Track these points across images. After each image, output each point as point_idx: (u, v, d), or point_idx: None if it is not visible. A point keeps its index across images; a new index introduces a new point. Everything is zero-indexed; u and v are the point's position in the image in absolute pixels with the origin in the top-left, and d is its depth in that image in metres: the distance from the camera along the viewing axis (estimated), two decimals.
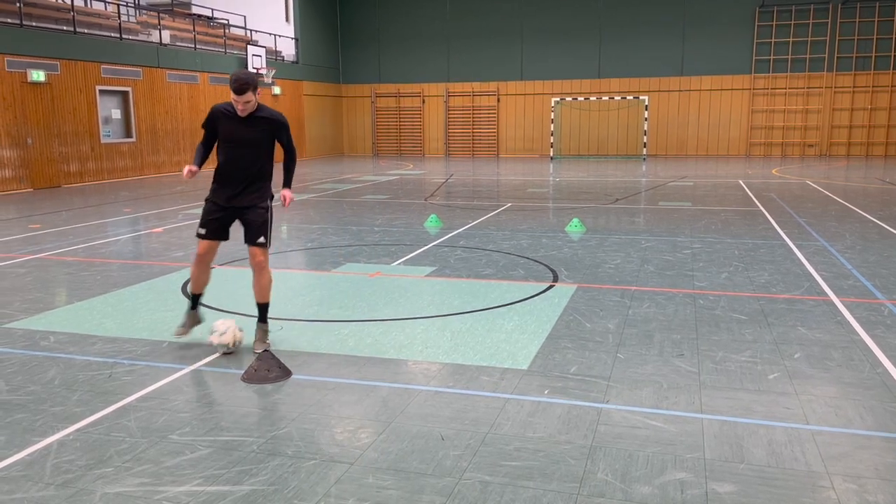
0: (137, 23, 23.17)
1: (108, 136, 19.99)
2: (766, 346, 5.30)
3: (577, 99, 29.21)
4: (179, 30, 24.00)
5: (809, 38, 28.05)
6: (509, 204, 14.07)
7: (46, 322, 6.05)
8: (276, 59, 28.22)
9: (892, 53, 27.48)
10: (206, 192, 5.29)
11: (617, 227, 11.01)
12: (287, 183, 5.35)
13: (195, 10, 27.29)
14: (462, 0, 30.91)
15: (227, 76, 23.44)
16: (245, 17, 28.42)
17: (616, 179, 19.63)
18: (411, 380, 4.70)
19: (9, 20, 17.27)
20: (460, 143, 32.25)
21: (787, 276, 7.59)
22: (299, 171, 22.39)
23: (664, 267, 8.08)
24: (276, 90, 27.52)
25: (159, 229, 11.04)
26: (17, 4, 17.41)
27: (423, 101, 32.26)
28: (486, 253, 8.97)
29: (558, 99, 29.30)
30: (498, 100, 31.38)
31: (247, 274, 5.70)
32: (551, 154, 29.34)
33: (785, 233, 10.30)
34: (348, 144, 33.75)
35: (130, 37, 21.41)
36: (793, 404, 4.24)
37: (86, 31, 19.72)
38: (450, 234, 10.38)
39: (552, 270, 7.93)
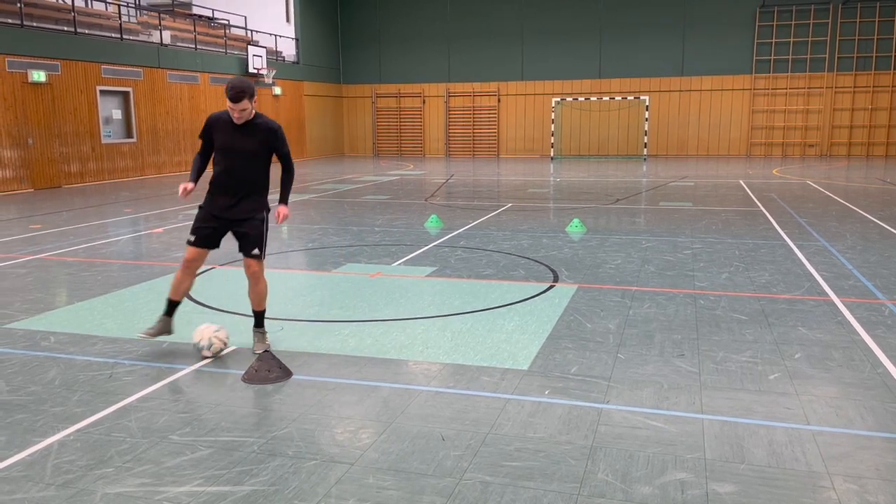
0: (138, 23, 23.17)
1: (109, 136, 20.00)
2: (767, 346, 5.30)
3: (577, 99, 29.20)
4: (180, 30, 24.01)
5: (810, 39, 28.04)
6: (510, 204, 14.07)
7: (47, 322, 6.05)
8: (276, 60, 28.22)
9: (893, 53, 27.46)
10: (206, 195, 5.26)
11: (618, 228, 11.01)
12: (283, 198, 5.24)
13: (196, 10, 27.30)
14: (463, 0, 30.91)
15: (228, 77, 23.49)
16: (245, 17, 28.43)
17: (617, 180, 19.62)
18: (412, 380, 4.71)
19: (9, 20, 17.28)
20: (461, 143, 32.25)
21: (787, 276, 7.59)
22: (300, 171, 22.39)
23: (665, 267, 8.08)
24: (277, 90, 27.53)
25: (160, 230, 11.04)
26: (18, 5, 17.41)
27: (424, 102, 32.26)
28: (486, 253, 8.97)
29: (559, 99, 29.29)
30: (498, 100, 31.38)
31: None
32: (552, 154, 29.34)
33: (785, 233, 10.29)
34: (349, 145, 33.75)
35: (131, 37, 21.42)
36: (793, 404, 4.24)
37: (86, 31, 19.73)
38: (450, 235, 10.38)
39: (553, 271, 7.93)
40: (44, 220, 12.19)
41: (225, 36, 25.83)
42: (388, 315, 6.20)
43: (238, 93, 4.80)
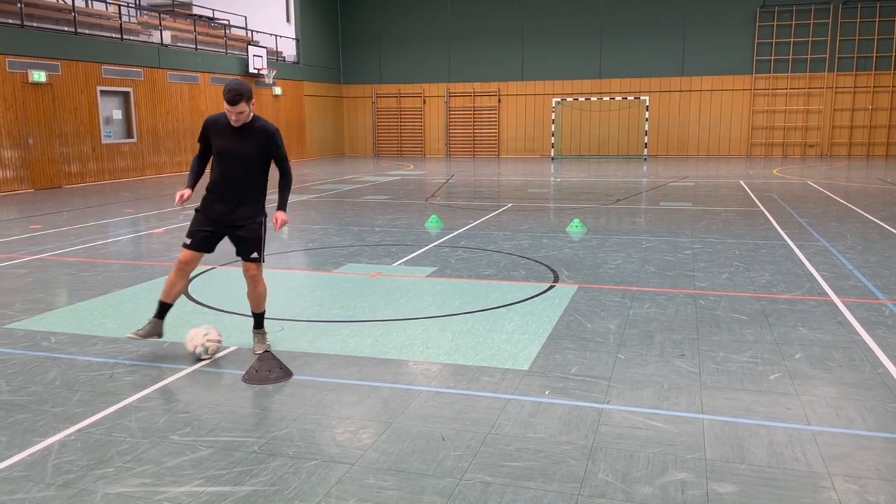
0: (138, 23, 23.18)
1: (109, 136, 20.01)
2: (767, 346, 5.30)
3: (577, 99, 29.20)
4: (180, 30, 24.01)
5: (810, 39, 28.04)
6: (510, 204, 14.07)
7: (47, 322, 6.06)
8: (276, 60, 28.23)
9: (893, 54, 27.46)
10: (203, 198, 5.20)
11: (618, 228, 11.01)
12: (281, 204, 5.17)
13: (196, 10, 27.30)
14: (463, 1, 30.91)
15: (228, 77, 23.50)
16: (246, 17, 28.43)
17: (617, 180, 19.62)
18: (412, 380, 4.71)
19: (10, 21, 17.29)
20: (461, 143, 32.25)
21: (787, 276, 7.58)
22: (301, 171, 22.39)
23: (665, 267, 8.08)
24: (277, 91, 27.53)
25: (160, 230, 11.05)
26: (18, 5, 17.42)
27: (424, 102, 32.26)
28: (486, 253, 8.97)
29: (559, 99, 29.29)
30: (499, 100, 31.38)
31: None
32: (552, 154, 29.33)
33: (786, 233, 10.29)
34: (349, 145, 33.76)
35: (131, 37, 21.42)
36: (794, 405, 4.24)
37: (87, 31, 19.74)
38: (451, 235, 10.38)
39: (553, 271, 7.93)
40: (44, 220, 12.20)
41: (225, 36, 25.84)
42: (389, 315, 6.20)
43: (235, 95, 4.76)
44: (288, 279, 7.75)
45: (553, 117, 29.50)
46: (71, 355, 5.21)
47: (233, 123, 4.92)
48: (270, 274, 7.65)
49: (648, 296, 6.80)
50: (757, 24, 28.26)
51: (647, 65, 29.33)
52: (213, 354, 5.10)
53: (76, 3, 19.52)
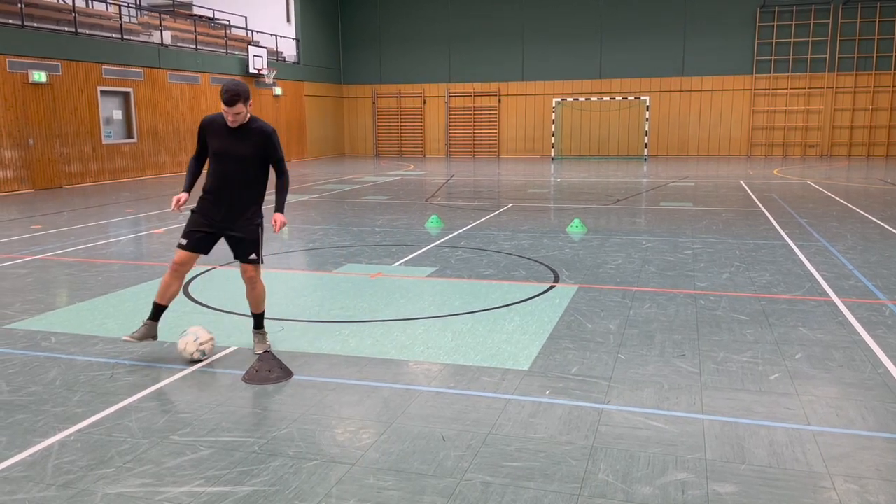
0: (138, 23, 23.19)
1: (110, 136, 20.01)
2: (768, 346, 5.30)
3: (578, 99, 29.20)
4: (180, 30, 24.02)
5: (811, 39, 28.04)
6: (510, 204, 14.07)
7: (48, 323, 6.06)
8: (277, 60, 28.23)
9: (894, 54, 27.45)
10: (199, 199, 5.14)
11: (618, 228, 11.01)
12: (279, 205, 5.10)
13: (196, 10, 27.31)
14: (463, 1, 30.92)
15: (229, 77, 23.51)
16: (246, 17, 28.44)
17: (617, 180, 19.62)
18: (412, 380, 4.71)
19: (10, 21, 17.29)
20: (461, 143, 32.25)
21: (788, 276, 7.58)
22: (302, 171, 22.39)
23: (665, 267, 8.08)
24: (278, 91, 27.53)
25: (160, 230, 11.05)
26: (19, 5, 17.42)
27: (425, 102, 32.27)
28: (487, 253, 8.97)
29: (559, 99, 29.29)
30: (499, 100, 31.38)
31: None
32: (552, 154, 29.33)
33: (786, 233, 10.29)
34: (349, 145, 33.76)
35: (132, 37, 21.43)
36: (794, 405, 4.24)
37: (87, 31, 19.74)
38: (451, 235, 10.38)
39: (553, 271, 7.93)
40: (44, 220, 12.20)
41: (225, 36, 25.85)
42: (389, 315, 6.20)
43: (233, 96, 4.72)
44: (288, 279, 7.75)
45: (553, 117, 29.50)
46: (71, 355, 5.21)
47: (230, 124, 4.88)
48: (271, 274, 7.66)
49: (649, 296, 6.80)
50: (757, 24, 28.26)
51: (647, 65, 29.33)
52: (211, 353, 5.09)
53: (76, 4, 19.52)
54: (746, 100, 28.93)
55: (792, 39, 28.13)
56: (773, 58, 28.39)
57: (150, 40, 22.30)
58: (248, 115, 4.93)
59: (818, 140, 28.76)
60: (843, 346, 5.28)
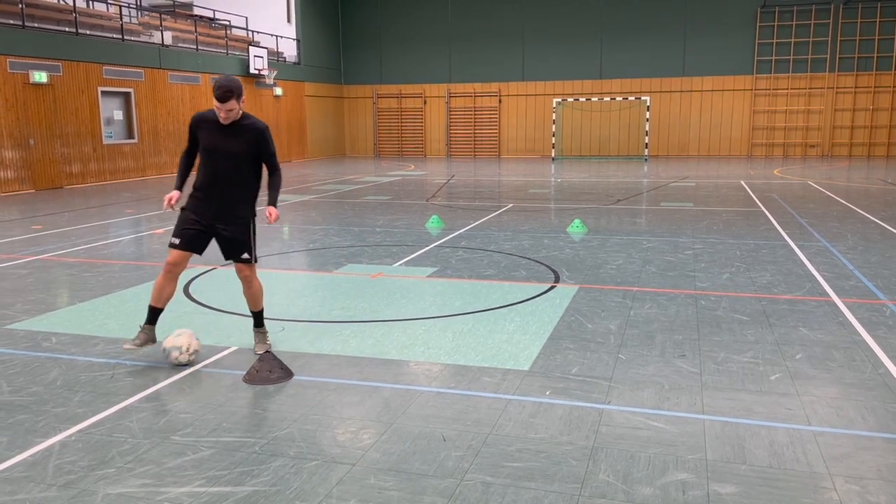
0: (139, 24, 23.20)
1: (110, 137, 20.02)
2: (768, 346, 5.30)
3: (578, 100, 29.21)
4: (181, 31, 24.03)
5: (811, 39, 28.04)
6: (511, 204, 14.07)
7: (48, 323, 6.06)
8: (277, 60, 28.23)
9: (894, 54, 27.45)
10: (189, 197, 5.09)
11: (618, 228, 11.01)
12: (272, 200, 5.01)
13: (197, 11, 27.32)
14: (464, 1, 30.92)
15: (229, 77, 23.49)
16: (246, 18, 28.45)
17: (618, 180, 19.62)
18: (413, 381, 4.71)
19: (10, 21, 17.30)
20: (462, 143, 32.26)
21: (788, 276, 7.58)
22: (302, 171, 22.40)
23: (666, 268, 8.08)
24: (278, 91, 27.54)
25: (161, 230, 11.05)
26: (19, 5, 17.43)
27: (425, 102, 32.27)
28: (487, 254, 8.97)
29: (560, 100, 29.29)
30: (499, 100, 31.39)
31: None
32: (553, 155, 29.34)
33: (787, 233, 10.29)
34: (350, 145, 33.76)
35: (132, 38, 21.44)
36: (794, 405, 4.24)
37: (87, 32, 19.75)
38: (451, 235, 10.38)
39: (554, 271, 7.93)
40: (45, 220, 12.20)
41: (226, 37, 25.85)
42: (390, 316, 6.20)
43: (225, 92, 4.65)
44: (289, 280, 7.75)
45: (553, 118, 29.50)
46: (72, 356, 5.22)
47: (221, 121, 4.79)
48: (272, 274, 7.67)
49: (649, 296, 6.80)
50: (757, 24, 28.26)
51: (647, 65, 29.33)
52: (199, 352, 5.05)
53: (77, 4, 19.53)
54: (747, 100, 28.92)
55: (792, 39, 28.12)
56: (773, 58, 28.39)
57: (151, 41, 22.31)
58: (241, 111, 4.85)
59: (819, 140, 28.76)
60: (844, 347, 5.28)
